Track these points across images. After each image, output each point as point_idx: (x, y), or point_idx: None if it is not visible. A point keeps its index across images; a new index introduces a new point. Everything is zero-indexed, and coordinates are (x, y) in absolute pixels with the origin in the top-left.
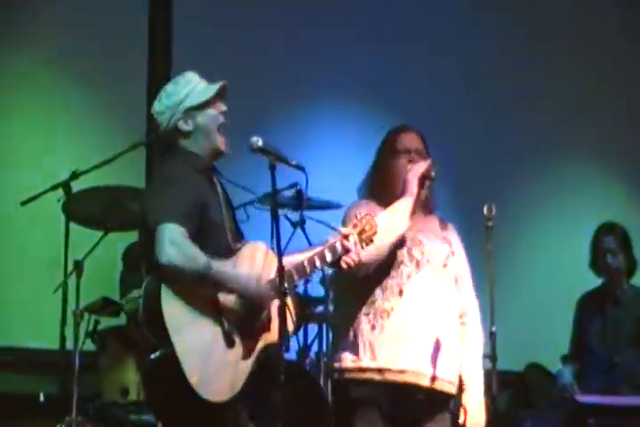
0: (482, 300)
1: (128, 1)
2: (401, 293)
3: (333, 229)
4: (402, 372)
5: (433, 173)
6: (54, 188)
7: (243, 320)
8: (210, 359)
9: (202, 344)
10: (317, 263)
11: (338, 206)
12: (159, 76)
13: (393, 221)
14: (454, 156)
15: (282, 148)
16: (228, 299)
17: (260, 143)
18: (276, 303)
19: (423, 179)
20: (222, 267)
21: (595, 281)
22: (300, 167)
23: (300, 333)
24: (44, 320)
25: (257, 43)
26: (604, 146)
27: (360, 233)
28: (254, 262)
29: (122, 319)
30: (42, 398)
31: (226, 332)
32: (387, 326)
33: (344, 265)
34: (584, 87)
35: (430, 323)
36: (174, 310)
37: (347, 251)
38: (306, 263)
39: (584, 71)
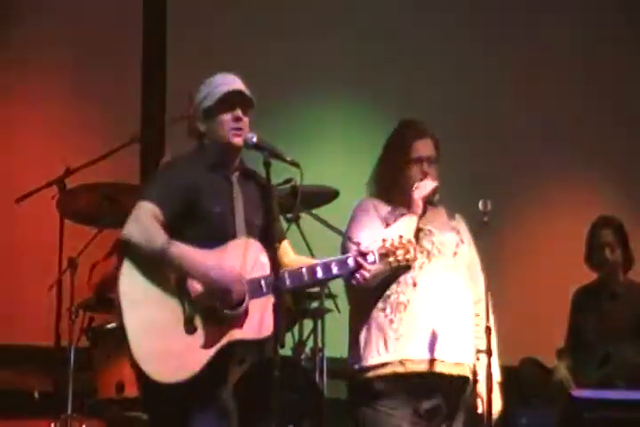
0: None
1: None
2: (415, 284)
3: (354, 243)
4: (423, 361)
5: (436, 198)
6: (48, 185)
7: (208, 310)
8: (160, 340)
9: (155, 323)
10: (319, 274)
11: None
12: (153, 71)
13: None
14: (451, 155)
15: (278, 143)
16: (194, 285)
17: (255, 139)
18: (256, 302)
19: (427, 200)
20: (183, 251)
21: (589, 275)
22: (294, 163)
23: (296, 328)
24: (38, 317)
25: (256, 41)
26: (600, 144)
27: (391, 253)
28: (246, 259)
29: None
30: (37, 395)
31: (187, 317)
32: (404, 318)
33: (354, 281)
34: (583, 87)
35: (446, 311)
36: (132, 285)
37: (360, 267)
38: (304, 271)
39: (583, 71)
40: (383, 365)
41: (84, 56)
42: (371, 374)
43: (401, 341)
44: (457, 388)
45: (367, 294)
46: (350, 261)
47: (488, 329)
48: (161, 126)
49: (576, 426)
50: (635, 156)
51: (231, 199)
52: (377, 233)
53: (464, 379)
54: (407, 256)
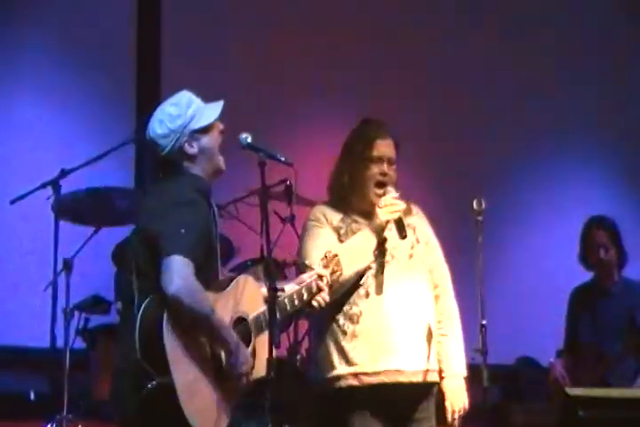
0: (471, 294)
1: None
2: (368, 295)
3: (307, 267)
4: (378, 373)
5: (406, 224)
6: (43, 186)
7: (229, 364)
8: (203, 399)
9: (197, 382)
10: (297, 302)
11: None
12: (148, 74)
13: (354, 257)
14: (442, 152)
15: (272, 144)
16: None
17: (250, 140)
18: (260, 339)
19: (395, 224)
20: (221, 320)
21: (585, 274)
22: (288, 163)
23: (290, 329)
24: (34, 318)
25: (248, 41)
26: (599, 142)
27: (331, 274)
28: (242, 298)
29: (112, 317)
30: (32, 396)
31: (215, 371)
32: (357, 329)
33: (315, 304)
34: (577, 86)
35: (401, 319)
36: (174, 342)
37: (319, 290)
38: (287, 301)
39: (580, 70)
40: (338, 378)
41: (79, 57)
42: (328, 385)
43: (354, 353)
44: (420, 395)
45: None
46: (314, 285)
47: (483, 327)
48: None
49: (572, 424)
50: (635, 155)
51: (216, 230)
52: (331, 247)
53: (427, 385)
54: (340, 271)
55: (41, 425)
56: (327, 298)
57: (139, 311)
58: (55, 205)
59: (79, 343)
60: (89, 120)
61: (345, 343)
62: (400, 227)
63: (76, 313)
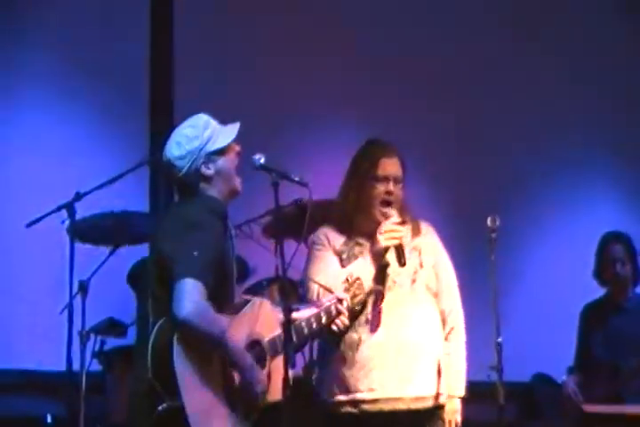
0: (486, 311)
1: None
2: (367, 322)
3: (328, 290)
4: (376, 401)
5: (412, 247)
6: (58, 209)
7: (243, 386)
8: (210, 421)
9: (208, 405)
10: (314, 326)
11: None
12: (161, 92)
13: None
14: (456, 168)
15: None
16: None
17: (262, 161)
18: (275, 363)
19: (395, 250)
20: (235, 341)
21: (600, 291)
22: (302, 183)
23: (306, 348)
24: (50, 342)
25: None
26: (615, 146)
27: (352, 297)
28: (256, 322)
29: (128, 339)
30: (49, 419)
31: (228, 394)
32: (356, 357)
33: (334, 328)
34: (590, 100)
35: (402, 346)
36: (185, 367)
37: (339, 314)
38: (304, 324)
39: (591, 84)
40: (338, 403)
41: (89, 77)
42: (329, 409)
43: (352, 381)
44: (421, 420)
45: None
46: (333, 309)
47: (499, 345)
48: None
49: None
50: None
51: (232, 252)
52: (334, 272)
53: (428, 410)
54: (362, 295)
55: None
56: (347, 322)
57: (152, 332)
58: (70, 228)
59: (95, 366)
60: (103, 142)
61: (345, 370)
62: (399, 254)
63: (92, 336)
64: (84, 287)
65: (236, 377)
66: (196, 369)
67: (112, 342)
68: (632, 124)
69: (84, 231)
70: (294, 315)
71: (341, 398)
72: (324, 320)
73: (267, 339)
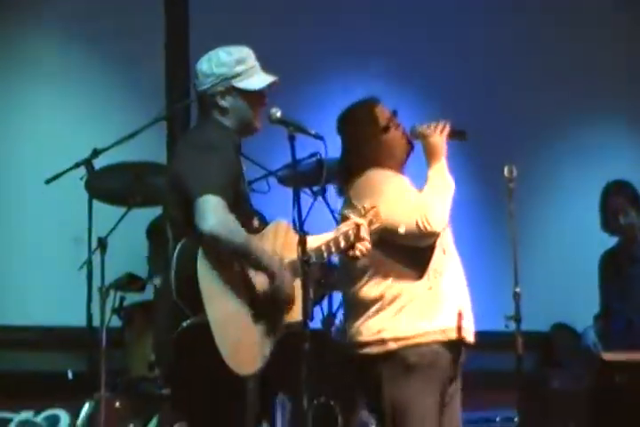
0: (505, 260)
1: None
2: (444, 252)
3: (346, 217)
4: (459, 329)
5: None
6: (77, 166)
7: (269, 298)
8: (237, 333)
9: (231, 316)
10: (333, 249)
11: None
12: (176, 49)
13: (444, 188)
14: (473, 118)
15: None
16: (259, 278)
17: (279, 114)
18: (298, 284)
19: (452, 136)
20: (259, 244)
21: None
22: (319, 137)
23: (325, 301)
24: (70, 298)
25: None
26: (627, 106)
27: (368, 224)
28: (276, 242)
29: (147, 295)
30: (70, 375)
31: (253, 307)
32: (441, 285)
33: (357, 253)
34: (611, 58)
35: (462, 279)
36: (209, 279)
37: (359, 240)
38: (324, 248)
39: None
40: (425, 333)
41: (108, 33)
42: (404, 343)
43: (438, 308)
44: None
45: (395, 262)
46: (351, 233)
47: (517, 295)
48: (186, 103)
49: (608, 389)
50: None
51: (245, 179)
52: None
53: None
54: (379, 222)
55: (79, 403)
56: (369, 246)
57: (173, 256)
58: (88, 185)
59: (115, 322)
60: (119, 98)
61: (429, 299)
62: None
63: (112, 292)
64: (103, 244)
65: (264, 284)
66: (222, 282)
67: (131, 299)
68: None
69: (102, 188)
70: (311, 238)
71: (431, 326)
72: (342, 245)
73: (287, 260)
